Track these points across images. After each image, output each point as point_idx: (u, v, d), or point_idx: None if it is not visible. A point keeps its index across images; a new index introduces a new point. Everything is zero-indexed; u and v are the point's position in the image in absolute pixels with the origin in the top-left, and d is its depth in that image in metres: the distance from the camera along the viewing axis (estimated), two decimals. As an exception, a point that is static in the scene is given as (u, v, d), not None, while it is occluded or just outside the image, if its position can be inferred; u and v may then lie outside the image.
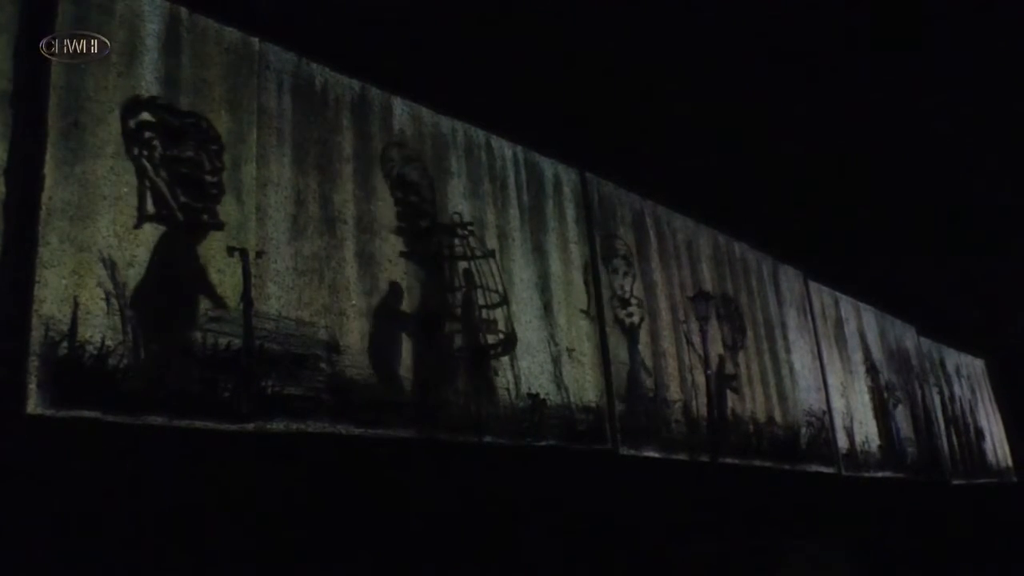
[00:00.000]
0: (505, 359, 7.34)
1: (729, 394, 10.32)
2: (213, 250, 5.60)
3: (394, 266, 6.78)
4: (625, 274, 9.25)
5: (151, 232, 5.23)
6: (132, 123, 5.44)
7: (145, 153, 5.45)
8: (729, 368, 10.53)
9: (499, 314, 7.62)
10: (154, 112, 5.56)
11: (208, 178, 5.73)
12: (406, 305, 6.80)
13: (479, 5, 7.12)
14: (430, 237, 7.22)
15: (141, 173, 5.38)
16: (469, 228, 7.60)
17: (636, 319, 9.16)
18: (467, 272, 7.45)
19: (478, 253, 7.62)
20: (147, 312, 5.14)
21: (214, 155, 5.83)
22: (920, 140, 10.34)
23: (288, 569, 5.36)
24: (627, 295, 9.14)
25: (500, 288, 7.69)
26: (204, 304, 5.47)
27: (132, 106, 5.46)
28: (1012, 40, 8.66)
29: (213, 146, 5.84)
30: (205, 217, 5.63)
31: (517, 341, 7.65)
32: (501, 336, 7.55)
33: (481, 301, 7.49)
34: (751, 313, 11.06)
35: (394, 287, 6.73)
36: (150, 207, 5.35)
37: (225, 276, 5.54)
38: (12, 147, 4.73)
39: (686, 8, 7.72)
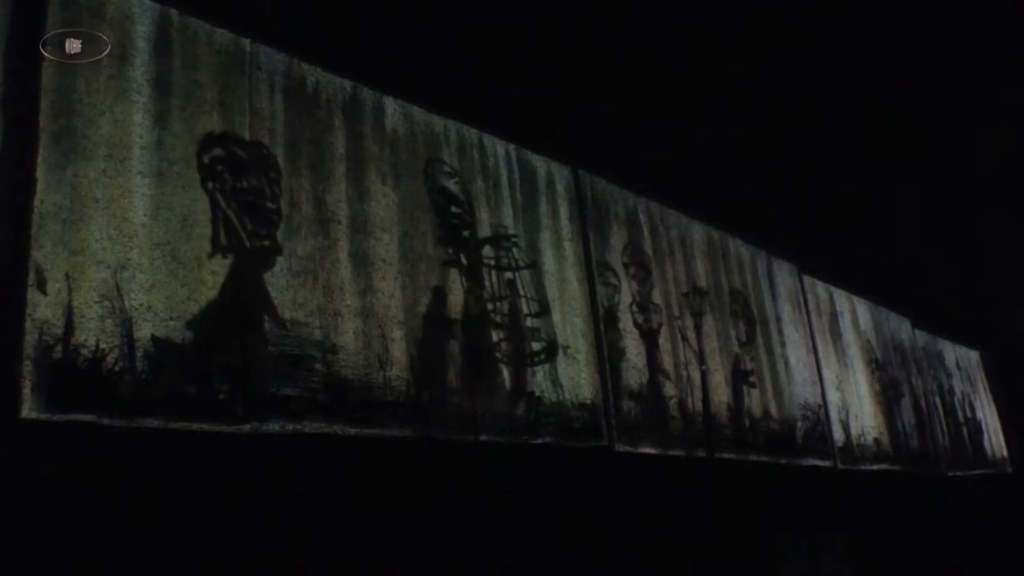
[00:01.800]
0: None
1: (746, 389, 10.55)
2: (276, 276, 5.87)
3: (438, 275, 7.06)
4: (643, 281, 9.46)
5: (145, 235, 5.23)
6: (207, 158, 5.70)
7: (218, 186, 5.71)
8: (746, 364, 10.73)
9: (541, 322, 7.90)
10: (225, 146, 5.83)
11: (269, 205, 6.00)
12: (452, 313, 7.05)
13: (472, 4, 7.13)
14: (477, 248, 7.52)
15: (215, 206, 5.64)
16: (513, 239, 7.90)
17: (655, 324, 9.32)
18: (511, 282, 7.70)
19: (521, 263, 7.89)
20: (214, 338, 5.40)
21: (274, 182, 6.08)
22: (913, 133, 10.37)
23: (286, 570, 5.37)
24: (646, 301, 9.32)
25: (543, 297, 8.00)
26: (268, 327, 5.71)
27: (207, 142, 5.72)
28: (1008, 32, 8.69)
29: (272, 174, 6.10)
30: (267, 243, 5.90)
31: (558, 349, 7.93)
32: (544, 344, 7.83)
33: (525, 310, 7.78)
34: (745, 308, 11.09)
35: (438, 293, 7.00)
36: (223, 238, 5.64)
37: (219, 278, 5.54)
38: (3, 151, 4.73)
39: (680, 6, 7.73)
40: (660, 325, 9.51)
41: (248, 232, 5.82)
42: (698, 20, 7.86)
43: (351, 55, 6.85)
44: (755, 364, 10.75)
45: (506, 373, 7.39)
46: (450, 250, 7.30)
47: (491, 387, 7.18)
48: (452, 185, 7.56)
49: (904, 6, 8.01)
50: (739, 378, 10.56)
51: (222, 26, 6.08)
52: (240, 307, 5.65)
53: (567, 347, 8.08)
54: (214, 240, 5.60)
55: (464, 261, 7.40)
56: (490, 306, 7.47)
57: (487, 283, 7.57)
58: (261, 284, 5.81)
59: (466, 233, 7.53)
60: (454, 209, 7.53)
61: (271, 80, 6.36)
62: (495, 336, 7.42)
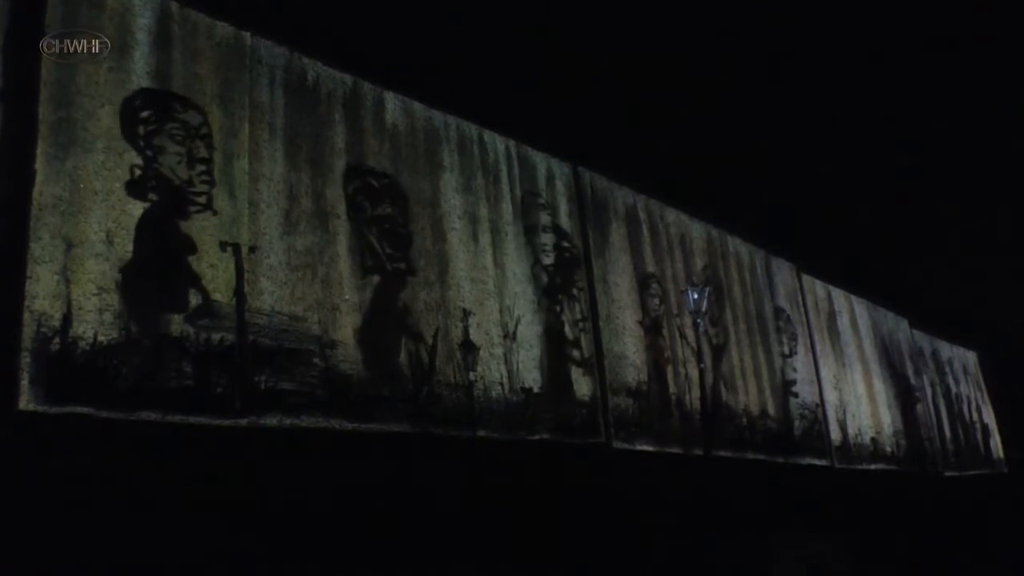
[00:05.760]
0: (499, 352, 7.35)
1: (790, 396, 11.26)
2: (410, 294, 6.66)
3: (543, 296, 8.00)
4: (714, 300, 10.13)
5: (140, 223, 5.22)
6: (350, 190, 6.44)
7: (361, 215, 6.45)
8: (790, 375, 11.38)
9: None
10: (364, 179, 6.57)
11: (401, 230, 6.74)
12: (548, 329, 7.91)
13: (474, 1, 7.12)
14: (571, 271, 8.36)
15: (359, 232, 6.42)
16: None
17: (721, 339, 9.81)
18: (593, 303, 8.49)
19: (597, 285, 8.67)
20: (371, 348, 6.20)
21: (403, 209, 6.82)
22: (912, 134, 10.38)
23: (282, 564, 5.36)
24: (717, 318, 9.78)
25: (609, 314, 8.75)
26: (406, 340, 6.50)
27: (350, 175, 6.49)
28: (1002, 40, 8.70)
29: (401, 202, 6.83)
30: (402, 265, 6.63)
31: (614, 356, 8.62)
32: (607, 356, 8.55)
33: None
34: (744, 306, 11.09)
35: (550, 314, 7.96)
36: (368, 260, 6.39)
37: (218, 271, 5.53)
38: (3, 143, 4.71)
39: (679, 6, 7.72)
40: (727, 339, 10.06)
41: (387, 256, 6.54)
42: (700, 20, 7.85)
43: (352, 50, 6.83)
44: (741, 361, 10.81)
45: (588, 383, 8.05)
46: (559, 279, 8.18)
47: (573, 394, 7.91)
48: (545, 216, 8.28)
49: (897, 12, 8.02)
50: (785, 387, 11.18)
51: (223, 19, 6.07)
52: (385, 321, 6.40)
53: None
54: (362, 263, 6.35)
55: (571, 288, 8.27)
56: (580, 325, 8.21)
57: (579, 305, 8.31)
58: (397, 301, 6.54)
59: (574, 266, 8.38)
60: (564, 244, 8.37)
61: (272, 74, 6.35)
62: (585, 352, 8.17)
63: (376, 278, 6.42)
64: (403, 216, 6.81)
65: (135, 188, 5.25)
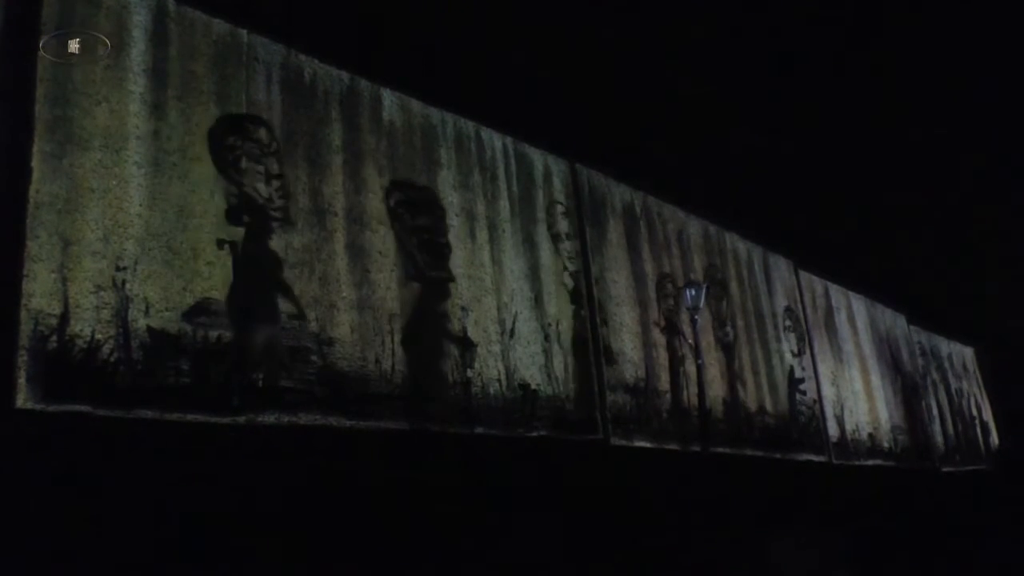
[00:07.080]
0: (497, 349, 7.36)
1: (797, 395, 11.54)
2: (451, 302, 6.96)
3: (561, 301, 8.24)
4: (721, 299, 10.42)
5: (141, 225, 5.22)
6: (392, 201, 6.72)
7: (401, 226, 6.73)
8: (798, 372, 11.65)
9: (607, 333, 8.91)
10: (403, 191, 6.84)
11: (439, 240, 7.00)
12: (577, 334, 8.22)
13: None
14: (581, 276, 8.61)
15: (400, 241, 6.70)
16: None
17: (731, 338, 10.02)
18: (602, 303, 8.74)
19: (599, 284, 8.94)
20: (416, 353, 6.49)
21: (440, 220, 7.10)
22: (910, 131, 10.38)
23: (281, 562, 5.37)
24: (724, 317, 9.95)
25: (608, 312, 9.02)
26: (447, 346, 6.79)
27: (391, 188, 6.78)
28: (1001, 37, 8.70)
29: (439, 212, 7.10)
30: (443, 274, 6.92)
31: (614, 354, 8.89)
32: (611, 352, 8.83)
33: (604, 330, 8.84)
34: (742, 303, 11.10)
35: (574, 314, 8.28)
36: (410, 269, 6.68)
37: (215, 269, 5.53)
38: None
39: (677, 5, 7.72)
40: (736, 338, 10.20)
41: (426, 264, 6.79)
42: (696, 22, 7.84)
43: (349, 46, 6.82)
44: (739, 358, 10.84)
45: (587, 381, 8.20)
46: (572, 282, 8.35)
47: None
48: (566, 224, 8.51)
49: (898, 8, 8.02)
50: (793, 385, 11.41)
51: (219, 16, 6.06)
52: (425, 327, 6.67)
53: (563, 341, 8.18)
54: (406, 271, 6.64)
55: (582, 290, 8.43)
56: (581, 324, 8.36)
57: (581, 303, 8.44)
58: (440, 308, 6.82)
59: (575, 267, 8.53)
60: (570, 245, 8.53)
61: (268, 71, 6.34)
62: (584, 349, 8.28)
63: (417, 285, 6.70)
64: (440, 227, 7.08)
65: (233, 215, 5.65)
